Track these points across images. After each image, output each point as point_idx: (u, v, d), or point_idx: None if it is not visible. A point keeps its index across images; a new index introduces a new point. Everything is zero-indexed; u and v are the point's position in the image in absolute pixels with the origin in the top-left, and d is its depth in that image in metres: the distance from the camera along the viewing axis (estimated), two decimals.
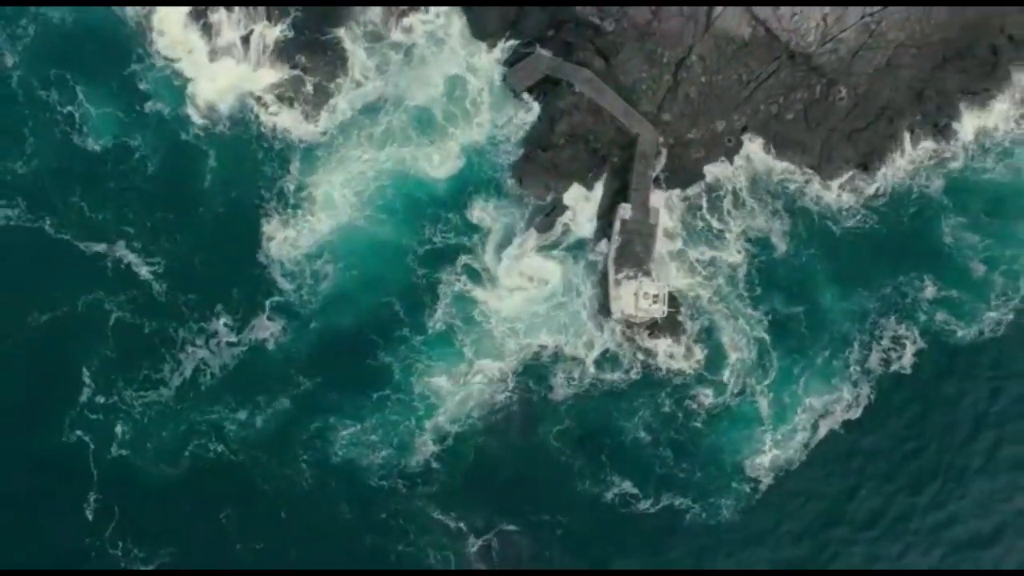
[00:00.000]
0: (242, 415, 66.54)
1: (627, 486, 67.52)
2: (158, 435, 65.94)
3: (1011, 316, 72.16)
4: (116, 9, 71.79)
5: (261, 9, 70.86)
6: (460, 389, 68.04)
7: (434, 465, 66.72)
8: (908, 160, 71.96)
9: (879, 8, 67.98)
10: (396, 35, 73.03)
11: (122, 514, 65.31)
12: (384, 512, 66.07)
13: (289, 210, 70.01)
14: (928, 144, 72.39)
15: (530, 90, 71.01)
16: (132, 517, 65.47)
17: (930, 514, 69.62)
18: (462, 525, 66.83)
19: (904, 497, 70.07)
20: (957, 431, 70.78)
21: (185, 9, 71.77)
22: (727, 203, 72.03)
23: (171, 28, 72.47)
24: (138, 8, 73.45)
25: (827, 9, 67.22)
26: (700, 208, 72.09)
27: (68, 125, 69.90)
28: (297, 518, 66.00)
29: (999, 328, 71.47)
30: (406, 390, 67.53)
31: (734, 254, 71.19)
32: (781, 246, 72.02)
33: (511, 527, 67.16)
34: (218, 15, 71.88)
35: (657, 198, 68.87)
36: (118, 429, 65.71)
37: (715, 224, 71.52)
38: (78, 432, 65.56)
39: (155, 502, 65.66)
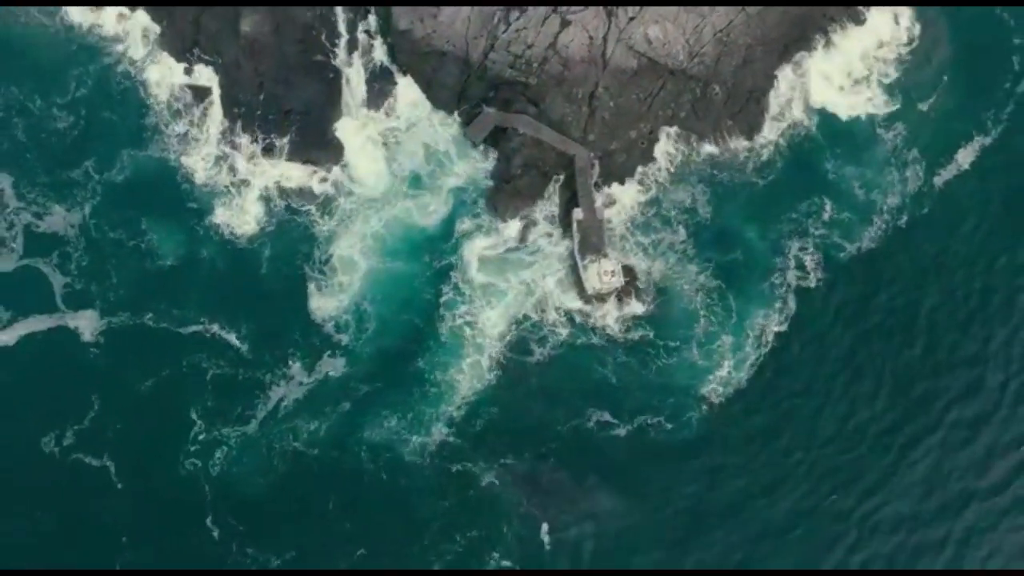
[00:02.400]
0: (313, 424, 77.45)
1: (606, 416, 78.13)
2: (252, 454, 76.10)
3: (886, 230, 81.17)
4: (169, 155, 79.43)
5: (271, 121, 78.85)
6: (470, 379, 78.47)
7: (451, 440, 77.74)
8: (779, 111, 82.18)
9: (725, 25, 79.14)
10: (384, 122, 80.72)
11: (241, 526, 74.88)
12: (421, 477, 77.24)
13: (326, 278, 79.09)
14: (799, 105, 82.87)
15: (486, 139, 79.78)
16: (249, 526, 74.81)
17: (865, 414, 79.31)
18: (476, 469, 77.48)
19: (847, 403, 79.64)
20: (878, 333, 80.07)
21: (214, 136, 79.46)
22: (659, 192, 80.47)
23: (204, 161, 79.82)
24: (178, 147, 78.64)
25: (688, 33, 78.37)
26: (641, 204, 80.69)
27: (140, 254, 78.67)
28: (365, 491, 77.10)
29: (875, 242, 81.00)
30: (435, 385, 78.59)
31: (673, 231, 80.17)
32: (706, 210, 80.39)
33: (511, 460, 77.81)
34: (242, 139, 79.43)
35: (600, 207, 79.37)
36: (219, 455, 76.13)
37: (651, 212, 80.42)
38: (191, 462, 75.89)
39: (262, 508, 75.52)
